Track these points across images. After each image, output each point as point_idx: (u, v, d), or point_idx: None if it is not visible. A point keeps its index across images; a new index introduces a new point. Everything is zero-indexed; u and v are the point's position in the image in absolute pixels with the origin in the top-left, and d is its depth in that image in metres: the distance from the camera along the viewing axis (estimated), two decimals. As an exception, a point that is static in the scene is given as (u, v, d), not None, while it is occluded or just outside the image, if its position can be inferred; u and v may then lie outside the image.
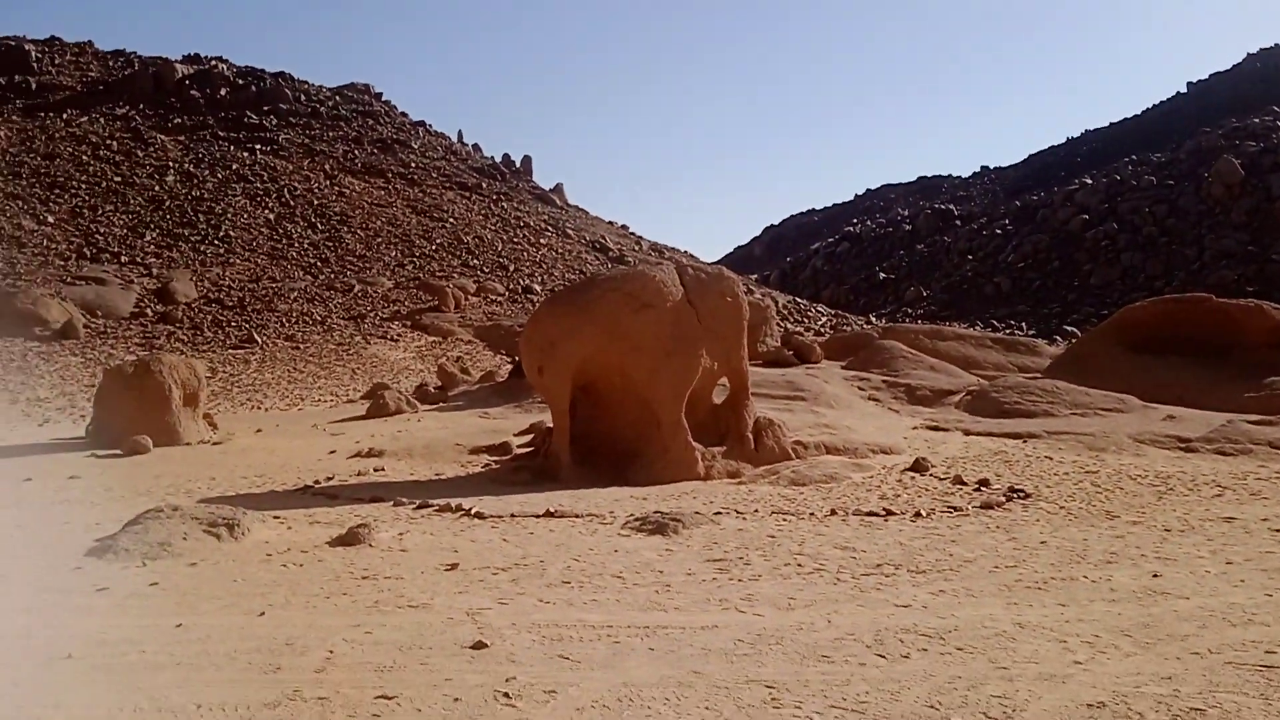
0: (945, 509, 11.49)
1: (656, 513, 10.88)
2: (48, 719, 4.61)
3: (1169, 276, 79.70)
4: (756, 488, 13.84)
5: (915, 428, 20.10)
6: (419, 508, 11.70)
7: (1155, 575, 7.75)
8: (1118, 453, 16.76)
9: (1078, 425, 19.09)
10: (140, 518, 9.46)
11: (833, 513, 11.19)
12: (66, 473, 15.46)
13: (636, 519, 10.48)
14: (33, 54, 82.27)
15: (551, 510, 11.19)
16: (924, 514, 11.09)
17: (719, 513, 11.14)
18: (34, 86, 78.58)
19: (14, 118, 74.56)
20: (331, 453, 17.65)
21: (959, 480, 14.00)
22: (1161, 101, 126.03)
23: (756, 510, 11.38)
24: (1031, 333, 65.56)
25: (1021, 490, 12.85)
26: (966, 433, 19.35)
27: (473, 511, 11.19)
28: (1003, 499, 12.18)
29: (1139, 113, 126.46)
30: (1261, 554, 8.54)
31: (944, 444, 18.17)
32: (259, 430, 21.80)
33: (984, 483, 13.69)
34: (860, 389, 23.20)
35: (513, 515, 11.01)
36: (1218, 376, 23.34)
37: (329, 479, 14.59)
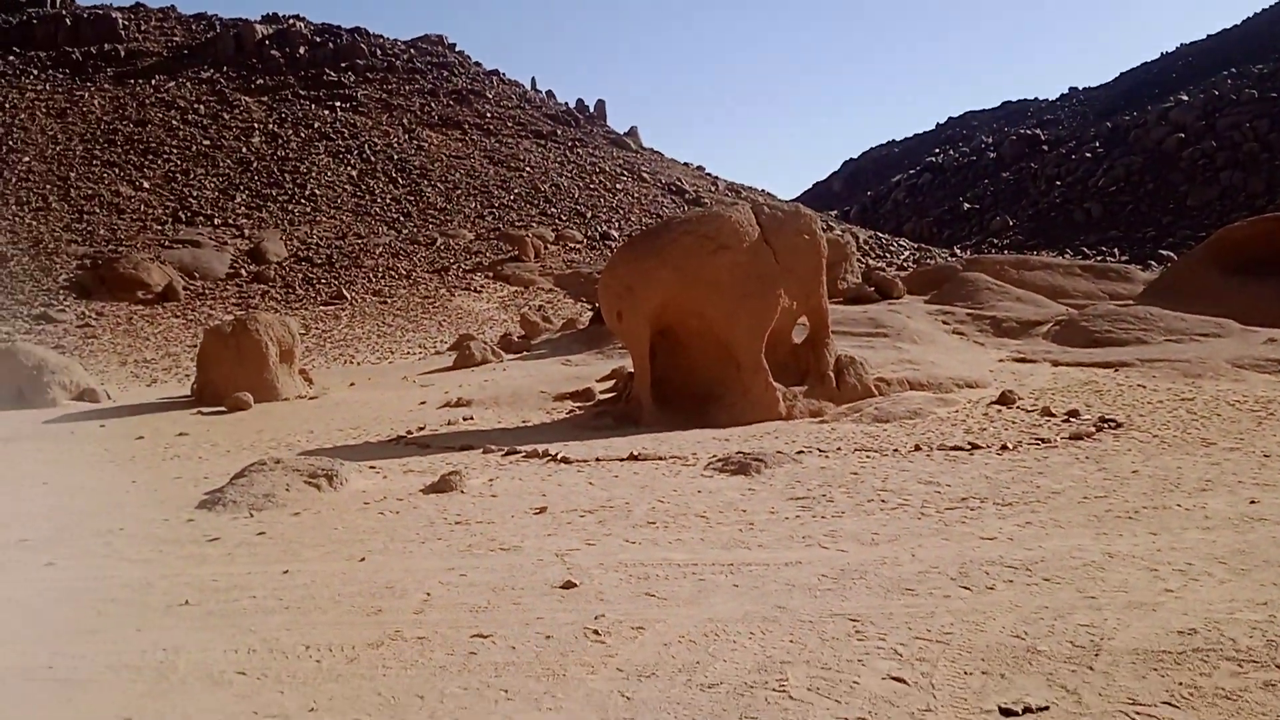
0: (1032, 441, 11.34)
1: (739, 453, 10.99)
2: (170, 662, 4.96)
3: (1272, 194, 75.82)
4: (839, 426, 13.83)
5: (1001, 360, 19.73)
6: (507, 454, 12.03)
7: (1252, 502, 7.58)
8: (1215, 379, 16.23)
9: (1173, 352, 18.50)
10: (245, 471, 9.95)
11: (916, 448, 11.14)
12: (175, 430, 16.27)
13: (719, 459, 10.61)
14: (120, 21, 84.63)
15: (635, 453, 11.39)
16: (1010, 447, 10.96)
17: (801, 451, 11.19)
18: (122, 54, 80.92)
19: (106, 85, 77.05)
20: (422, 404, 18.17)
21: (1047, 412, 13.76)
22: (1263, 10, 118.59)
23: (839, 448, 11.39)
24: (1125, 259, 63.27)
25: (1113, 420, 12.58)
26: (1055, 364, 18.93)
27: (559, 456, 11.46)
28: (1093, 429, 11.95)
29: (1238, 23, 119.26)
30: (1367, 480, 8.27)
31: (1031, 376, 17.81)
32: (352, 384, 22.52)
33: (1073, 414, 13.43)
34: (944, 323, 22.80)
35: (597, 459, 11.24)
36: (1325, 297, 22.31)
37: (420, 429, 15.06)
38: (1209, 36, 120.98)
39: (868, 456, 10.72)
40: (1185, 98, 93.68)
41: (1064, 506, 7.78)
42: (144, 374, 30.68)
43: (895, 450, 11.09)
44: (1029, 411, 14.06)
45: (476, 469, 11.09)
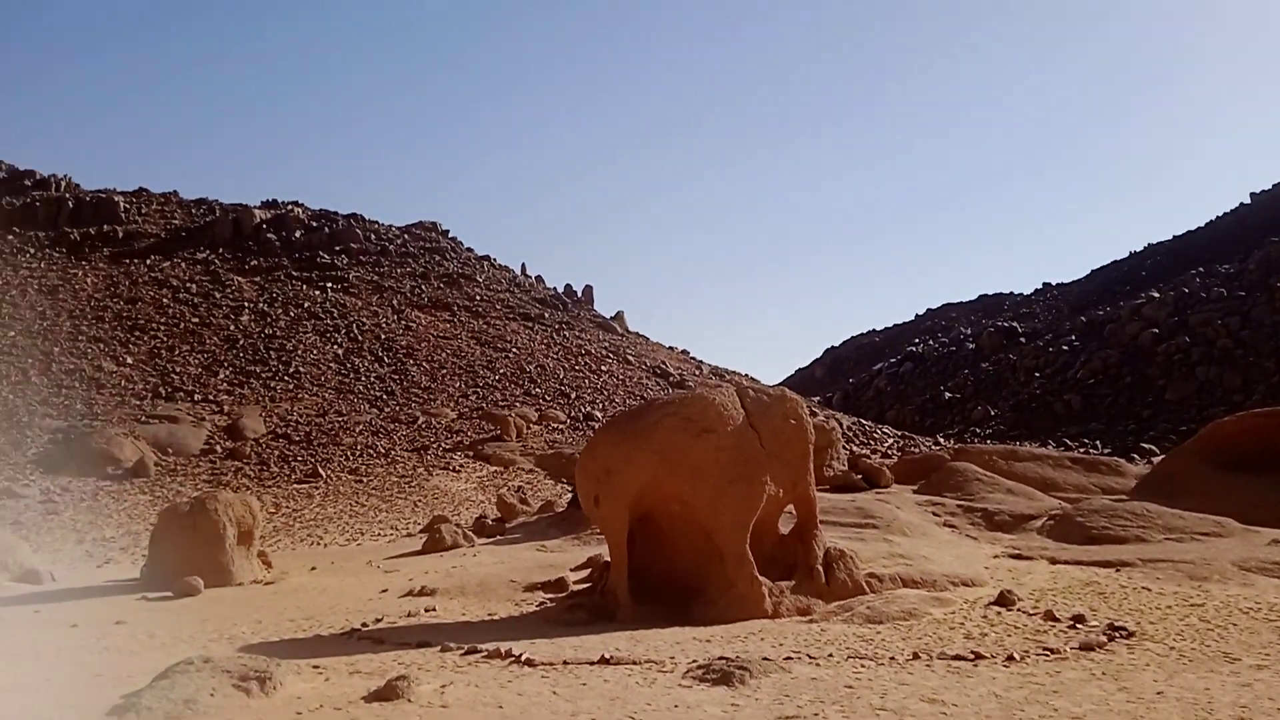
0: (1040, 651, 10.41)
1: (720, 659, 10.02)
2: None
3: (1249, 390, 76.70)
4: (829, 626, 12.85)
5: (996, 556, 18.86)
6: (467, 654, 10.97)
7: (1300, 735, 6.70)
8: (1223, 582, 15.40)
9: (1174, 552, 17.71)
10: (169, 671, 8.90)
11: (915, 656, 10.19)
12: (114, 617, 15.06)
13: (699, 666, 9.63)
14: (121, 205, 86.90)
15: (606, 656, 10.38)
16: (1017, 657, 10.04)
17: (789, 658, 10.22)
18: (120, 235, 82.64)
19: (100, 265, 78.23)
20: (383, 592, 17.04)
21: (1051, 616, 12.85)
22: (1225, 213, 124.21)
23: (831, 654, 10.42)
24: (1107, 451, 63.11)
25: (1123, 628, 11.68)
26: (1053, 561, 18.07)
27: (523, 658, 10.42)
28: (1103, 638, 11.04)
29: (1202, 224, 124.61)
30: None
31: (1029, 574, 16.92)
32: (313, 568, 21.33)
33: (1079, 619, 12.53)
34: (935, 515, 22.02)
35: (565, 662, 10.22)
36: (1322, 495, 21.75)
37: (377, 621, 13.95)
38: (1175, 237, 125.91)
39: (863, 665, 9.76)
40: (1156, 294, 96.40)
41: (1088, 735, 6.86)
42: (99, 553, 29.26)
43: (892, 658, 10.13)
44: (1030, 615, 13.15)
45: (431, 671, 10.04)
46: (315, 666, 10.20)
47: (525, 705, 8.18)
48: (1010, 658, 10.01)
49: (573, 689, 8.91)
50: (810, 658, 10.24)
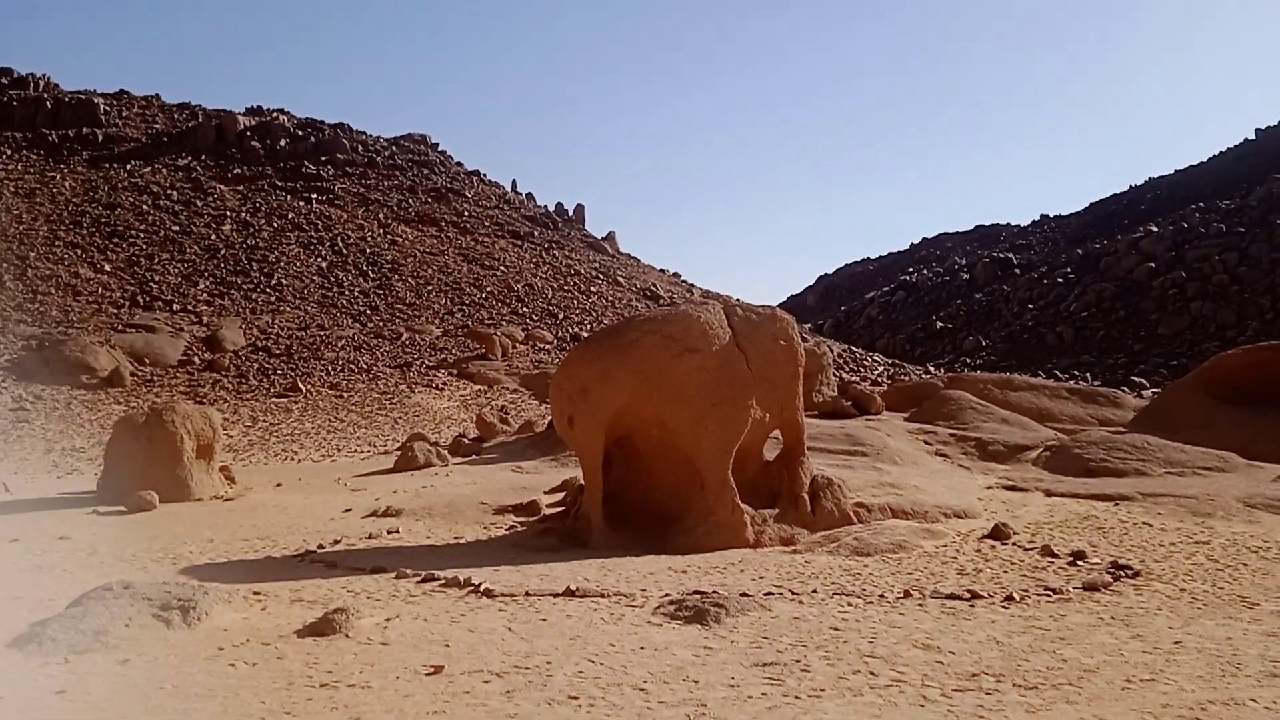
0: (1041, 590, 9.64)
1: (695, 593, 9.21)
2: None
3: (1242, 326, 76.17)
4: (814, 558, 12.08)
5: (990, 487, 18.12)
6: (423, 581, 10.15)
7: (1344, 699, 5.90)
8: (1227, 518, 14.69)
9: (1176, 486, 16.99)
10: (84, 597, 8.05)
11: (906, 594, 9.40)
12: (59, 532, 14.22)
13: (672, 602, 8.82)
14: (101, 107, 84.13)
15: (573, 588, 9.56)
16: (1017, 597, 9.26)
17: (770, 593, 9.42)
18: (100, 138, 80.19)
19: (79, 168, 76.01)
20: (347, 511, 16.22)
21: (1049, 551, 12.11)
22: (1229, 148, 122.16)
23: (815, 590, 9.63)
24: (1097, 383, 62.69)
25: (1128, 566, 10.91)
26: (1048, 493, 17.34)
27: (481, 588, 9.60)
28: (1108, 578, 10.27)
29: (1205, 159, 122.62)
30: None
31: (1024, 506, 16.20)
32: (279, 485, 20.51)
33: (1079, 555, 11.78)
34: (926, 443, 21.25)
35: (527, 593, 9.40)
36: (1326, 432, 21.05)
37: (335, 543, 13.13)
38: (1177, 171, 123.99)
39: (850, 604, 8.96)
40: (1155, 229, 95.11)
41: (1104, 694, 6.05)
42: (66, 463, 28.46)
43: (881, 596, 9.34)
44: (1027, 550, 12.42)
45: (381, 600, 9.22)
46: (256, 593, 9.37)
47: (474, 644, 7.36)
48: (1009, 598, 9.22)
49: (531, 625, 8.09)
50: (793, 594, 9.44)
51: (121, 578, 9.44)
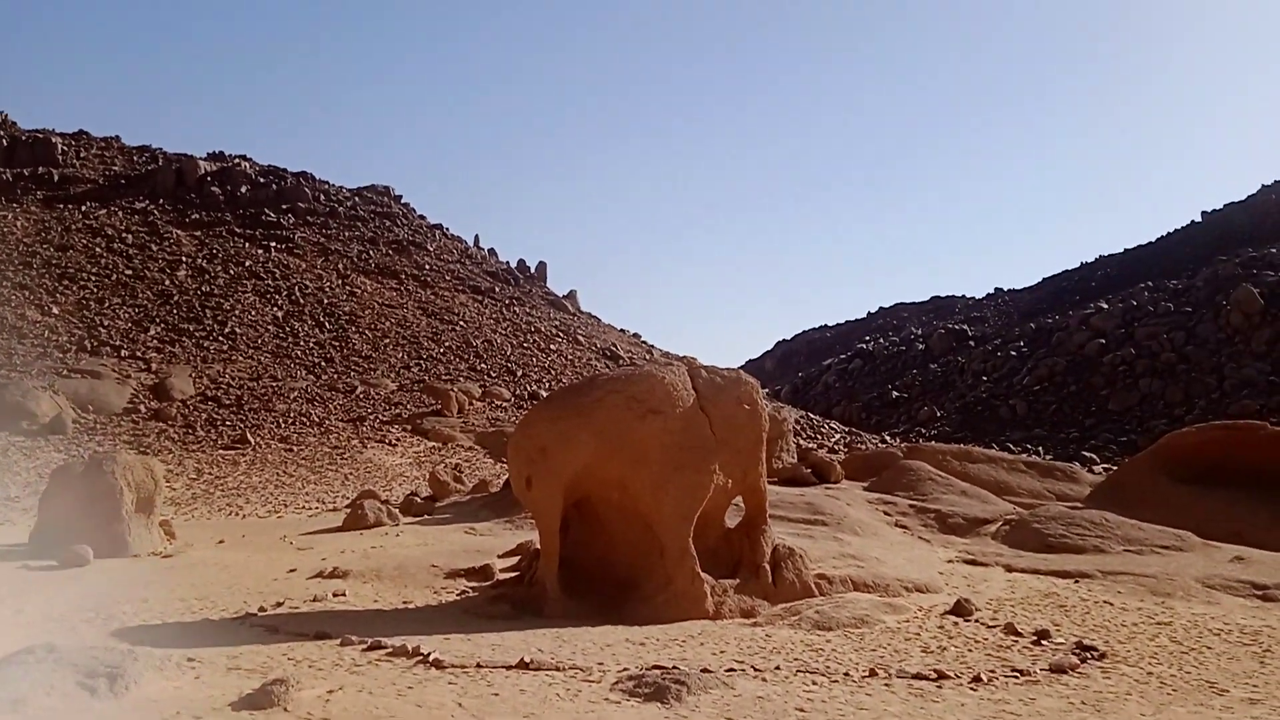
0: (1008, 671, 9.41)
1: (655, 668, 8.87)
2: None
3: (1189, 404, 77.77)
4: (775, 631, 11.77)
5: (950, 561, 17.96)
6: (369, 649, 9.67)
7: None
8: (1186, 599, 14.64)
9: (1134, 564, 16.95)
10: (3, 662, 7.50)
11: (872, 673, 9.12)
12: (-16, 587, 13.49)
13: (630, 677, 8.46)
14: (59, 146, 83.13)
15: (526, 660, 9.14)
16: (984, 679, 9.02)
17: (732, 670, 9.08)
18: (56, 178, 79.07)
19: (33, 208, 74.70)
20: (291, 571, 15.60)
21: (1012, 630, 11.91)
22: (1176, 230, 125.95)
23: (778, 667, 9.30)
24: (1049, 457, 63.34)
25: (1093, 648, 10.74)
26: (1009, 569, 17.21)
27: (430, 658, 9.15)
28: (1074, 659, 10.08)
29: (1154, 240, 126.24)
30: None
31: (985, 582, 16.03)
32: (221, 541, 19.76)
33: (1043, 634, 11.59)
34: (886, 514, 21.10)
35: (479, 665, 8.97)
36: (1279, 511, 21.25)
37: (278, 605, 12.57)
38: (1126, 250, 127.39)
39: (814, 683, 8.66)
40: (1105, 305, 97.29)
41: (1084, 788, 5.80)
42: (0, 513, 27.35)
43: (846, 675, 9.05)
44: (990, 627, 12.21)
45: (323, 670, 8.74)
46: (190, 659, 8.84)
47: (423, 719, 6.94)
48: (977, 679, 8.99)
49: (482, 700, 7.67)
50: (755, 670, 9.11)
51: (47, 640, 8.87)
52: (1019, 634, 11.67)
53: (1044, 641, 11.29)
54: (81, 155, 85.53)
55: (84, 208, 75.89)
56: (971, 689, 8.62)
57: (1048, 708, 7.91)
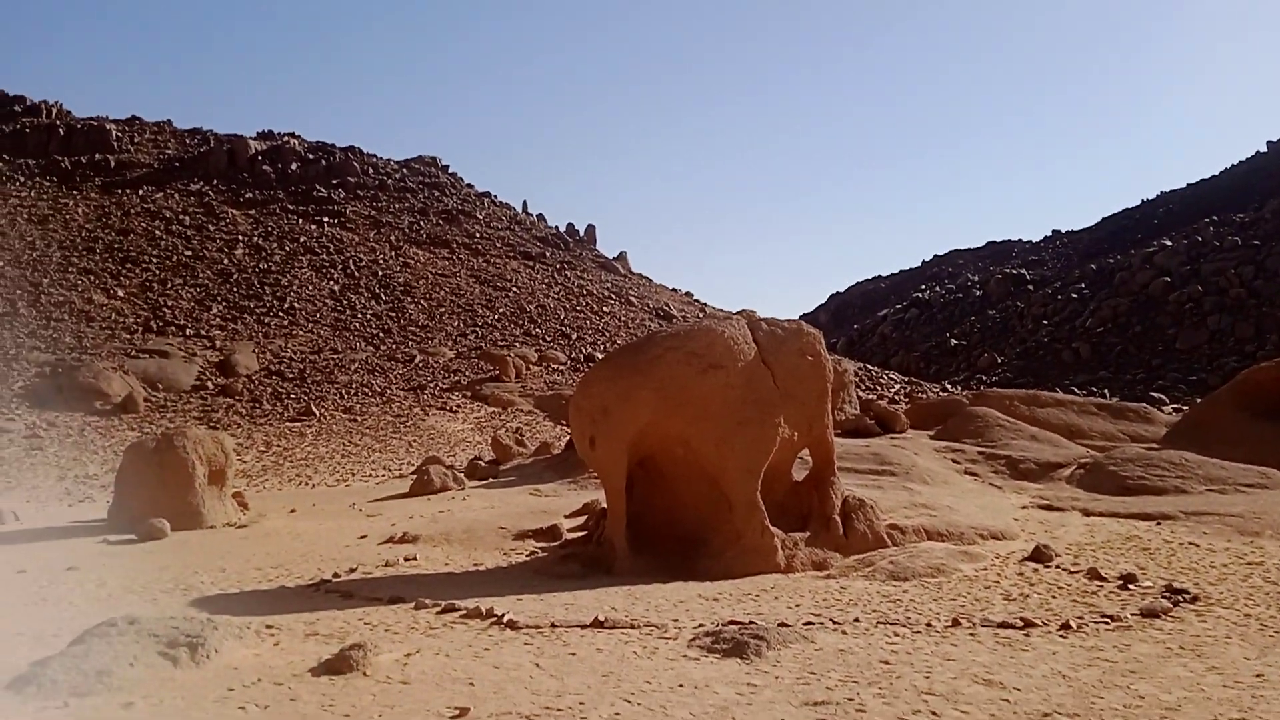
0: (1097, 617, 9.10)
1: (731, 623, 8.73)
2: None
3: (1261, 339, 75.31)
4: (850, 583, 11.55)
5: (1025, 507, 17.55)
6: (442, 612, 9.68)
7: None
8: (1276, 537, 14.09)
9: (1218, 504, 16.39)
10: (87, 634, 7.59)
11: (955, 623, 8.87)
12: (68, 562, 13.80)
13: (707, 633, 8.32)
14: (113, 133, 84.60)
15: (601, 619, 9.06)
16: (1074, 626, 8.72)
17: (810, 623, 8.91)
18: (113, 164, 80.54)
19: (92, 194, 76.28)
20: (362, 538, 15.76)
21: (1096, 574, 11.54)
22: (1240, 161, 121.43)
23: (857, 619, 9.10)
24: (1116, 399, 61.93)
25: (1184, 590, 10.36)
26: (1086, 513, 16.76)
27: (505, 619, 9.11)
28: (1165, 603, 9.72)
29: (1217, 173, 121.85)
30: None
31: (1063, 527, 15.63)
32: (292, 510, 20.08)
33: (1129, 578, 11.20)
34: (955, 462, 20.69)
35: (553, 625, 8.91)
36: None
37: (350, 571, 12.67)
38: (1188, 185, 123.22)
39: (896, 634, 8.44)
40: (1169, 242, 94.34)
41: (1194, 735, 5.53)
42: (79, 490, 28.12)
43: (929, 625, 8.81)
44: (1072, 572, 11.85)
45: (399, 634, 8.75)
46: (269, 626, 8.91)
47: (500, 682, 6.87)
48: (1066, 625, 8.69)
49: (559, 660, 7.60)
50: (834, 623, 8.92)
51: (128, 611, 9.01)
52: (1103, 579, 11.31)
53: (1130, 586, 10.92)
54: (135, 141, 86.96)
55: (141, 192, 77.29)
56: (1061, 636, 8.34)
57: (1144, 654, 7.61)
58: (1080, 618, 9.07)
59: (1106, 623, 8.88)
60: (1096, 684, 6.67)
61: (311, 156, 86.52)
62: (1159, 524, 15.37)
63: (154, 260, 66.32)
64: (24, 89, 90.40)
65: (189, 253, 68.45)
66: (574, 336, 63.01)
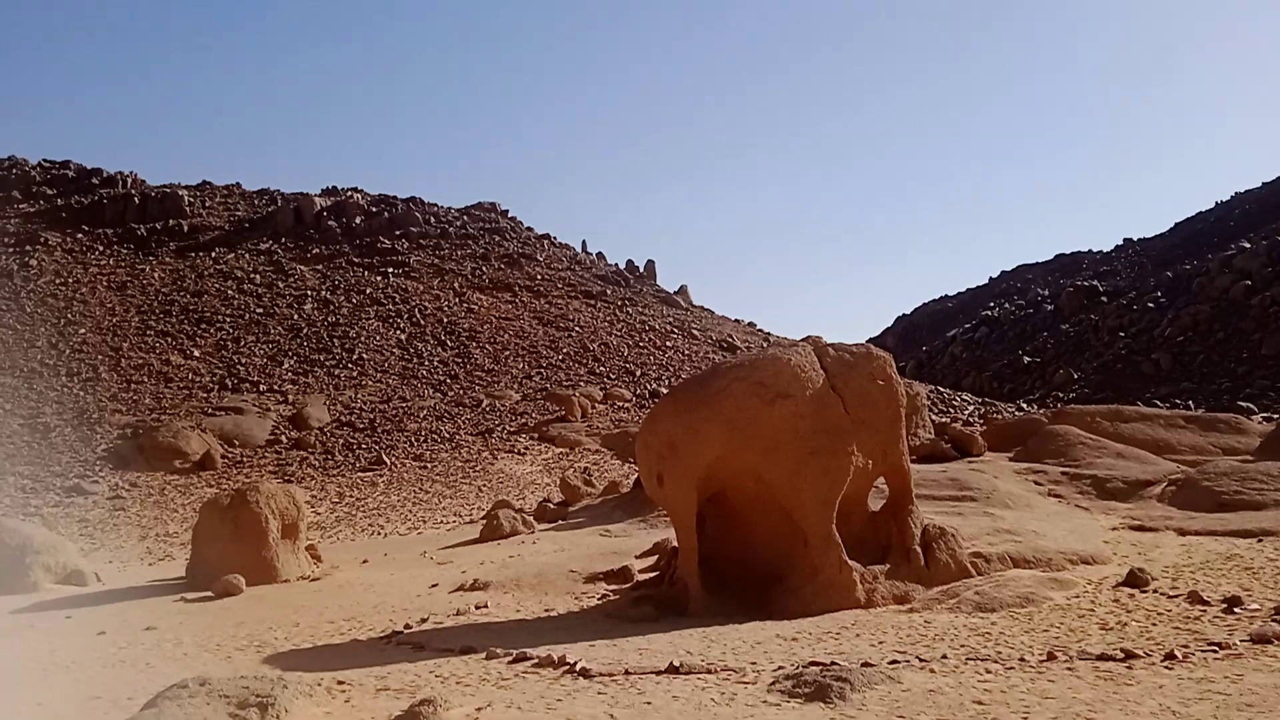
0: (1204, 645, 8.53)
1: (813, 664, 8.37)
2: None
3: (1352, 343, 72.17)
4: (934, 617, 11.08)
5: (1115, 528, 16.78)
6: (514, 661, 9.48)
7: None
8: (1392, 553, 13.22)
9: (1325, 518, 15.48)
10: (159, 697, 7.54)
11: (1051, 657, 8.39)
12: (146, 622, 13.95)
13: (788, 676, 7.97)
14: (185, 199, 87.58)
15: (676, 664, 8.77)
16: (1179, 655, 8.18)
17: (895, 661, 8.51)
18: (185, 229, 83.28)
19: (167, 259, 78.84)
20: (434, 586, 15.67)
21: (1197, 598, 10.90)
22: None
23: (944, 656, 8.68)
24: (1203, 410, 59.72)
25: (1297, 613, 9.70)
26: (1181, 532, 15.95)
27: (578, 667, 8.88)
28: (1277, 627, 9.09)
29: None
30: None
31: (1157, 548, 14.88)
32: (365, 561, 20.14)
33: (1234, 601, 10.55)
34: (1037, 484, 19.95)
35: (627, 672, 8.65)
36: None
37: (422, 621, 12.56)
38: (1264, 184, 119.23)
39: (988, 671, 8.00)
40: (1248, 245, 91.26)
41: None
42: (160, 549, 28.70)
43: (1022, 660, 8.35)
44: (1171, 597, 11.21)
45: (470, 686, 8.56)
46: (340, 682, 8.79)
47: (575, 735, 6.63)
48: (1170, 656, 8.16)
49: (635, 710, 7.32)
50: (921, 661, 8.51)
51: (202, 671, 9.00)
52: (1206, 603, 10.67)
53: (1236, 609, 10.28)
54: (207, 205, 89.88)
55: (214, 254, 79.69)
56: (1167, 668, 7.82)
57: (1260, 684, 7.07)
58: (1185, 646, 8.52)
59: (1215, 651, 8.32)
60: (1208, 718, 6.18)
61: (374, 210, 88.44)
62: (1260, 541, 14.54)
63: (227, 319, 68.11)
64: (101, 162, 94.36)
65: (260, 310, 70.18)
66: (638, 373, 62.94)
